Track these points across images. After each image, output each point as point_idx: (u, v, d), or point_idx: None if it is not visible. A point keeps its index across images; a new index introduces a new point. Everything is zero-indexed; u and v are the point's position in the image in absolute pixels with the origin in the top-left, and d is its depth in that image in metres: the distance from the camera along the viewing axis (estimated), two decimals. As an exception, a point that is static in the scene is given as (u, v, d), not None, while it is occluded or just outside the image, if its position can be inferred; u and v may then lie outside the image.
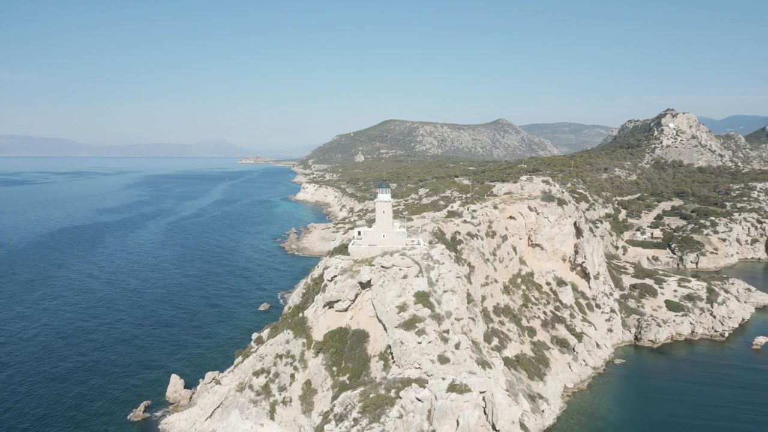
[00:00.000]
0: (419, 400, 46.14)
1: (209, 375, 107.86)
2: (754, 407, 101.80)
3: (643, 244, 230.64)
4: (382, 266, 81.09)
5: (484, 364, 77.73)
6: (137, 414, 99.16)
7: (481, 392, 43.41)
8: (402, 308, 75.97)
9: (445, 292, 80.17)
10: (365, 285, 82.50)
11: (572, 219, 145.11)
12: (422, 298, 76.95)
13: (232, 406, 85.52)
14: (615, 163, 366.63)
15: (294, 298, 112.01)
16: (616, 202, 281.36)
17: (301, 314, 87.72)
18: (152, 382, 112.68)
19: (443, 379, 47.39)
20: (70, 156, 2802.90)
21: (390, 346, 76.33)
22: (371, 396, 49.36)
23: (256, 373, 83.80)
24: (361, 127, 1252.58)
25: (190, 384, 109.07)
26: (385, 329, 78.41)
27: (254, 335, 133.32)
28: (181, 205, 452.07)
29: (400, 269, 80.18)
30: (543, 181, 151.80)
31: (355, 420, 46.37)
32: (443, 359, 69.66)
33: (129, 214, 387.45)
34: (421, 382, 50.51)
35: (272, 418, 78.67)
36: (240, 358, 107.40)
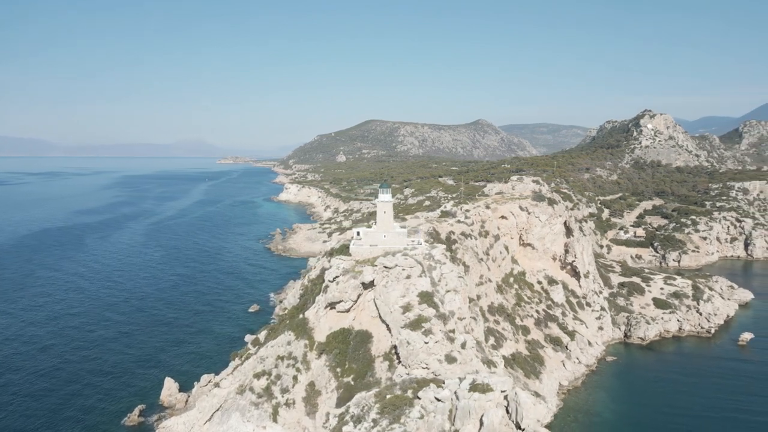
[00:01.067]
0: (438, 400, 46.17)
1: (205, 377, 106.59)
2: (744, 398, 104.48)
3: (627, 243, 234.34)
4: (384, 266, 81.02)
5: (489, 363, 78.28)
6: (132, 419, 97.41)
7: (502, 391, 43.64)
8: (407, 308, 76.03)
9: (448, 291, 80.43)
10: (368, 285, 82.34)
11: (562, 218, 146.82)
12: (426, 298, 77.11)
13: (232, 408, 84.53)
14: (596, 163, 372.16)
15: (290, 299, 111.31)
16: (599, 201, 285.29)
17: (301, 315, 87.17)
18: (145, 385, 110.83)
19: (463, 378, 47.50)
20: (44, 156, 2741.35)
21: (395, 347, 76.32)
22: (388, 397, 49.24)
23: (257, 375, 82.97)
24: (342, 127, 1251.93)
25: (185, 387, 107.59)
26: (389, 330, 78.37)
27: (248, 337, 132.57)
28: (162, 205, 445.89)
29: (403, 269, 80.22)
30: (533, 181, 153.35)
31: (375, 421, 46.20)
32: (450, 359, 69.91)
33: (110, 215, 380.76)
34: (438, 382, 50.59)
35: (275, 420, 78.01)
36: (237, 361, 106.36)
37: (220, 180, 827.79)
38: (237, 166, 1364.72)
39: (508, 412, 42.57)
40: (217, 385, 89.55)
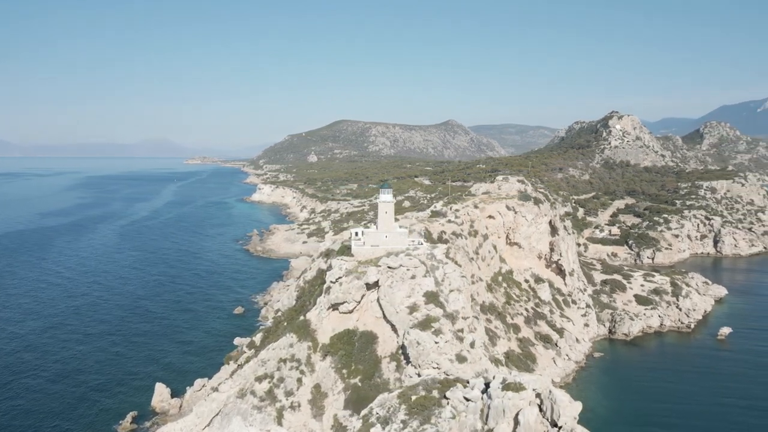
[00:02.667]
0: (468, 399, 46.29)
1: (198, 382, 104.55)
2: (726, 391, 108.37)
3: (603, 242, 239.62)
4: (388, 267, 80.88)
5: (496, 361, 79.09)
6: (125, 426, 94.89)
7: (534, 389, 44.08)
8: (413, 308, 76.10)
9: (452, 291, 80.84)
10: (371, 286, 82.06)
11: (548, 218, 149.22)
12: (432, 298, 77.33)
13: (233, 413, 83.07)
14: (569, 163, 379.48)
15: (284, 300, 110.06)
16: (574, 201, 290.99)
17: (302, 317, 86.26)
18: (134, 391, 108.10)
19: (486, 377, 47.80)
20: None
21: (401, 347, 76.31)
22: (414, 398, 49.13)
23: (259, 379, 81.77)
24: (313, 127, 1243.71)
25: (176, 392, 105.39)
26: (395, 330, 78.31)
27: (237, 340, 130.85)
28: (131, 207, 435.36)
29: (408, 269, 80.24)
30: (518, 181, 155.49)
31: (404, 422, 45.99)
32: (461, 358, 70.38)
33: (76, 217, 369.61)
34: (462, 382, 50.77)
35: (280, 423, 77.00)
36: (232, 364, 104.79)
37: (189, 180, 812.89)
38: (205, 167, 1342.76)
39: (541, 410, 42.99)
40: (215, 389, 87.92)
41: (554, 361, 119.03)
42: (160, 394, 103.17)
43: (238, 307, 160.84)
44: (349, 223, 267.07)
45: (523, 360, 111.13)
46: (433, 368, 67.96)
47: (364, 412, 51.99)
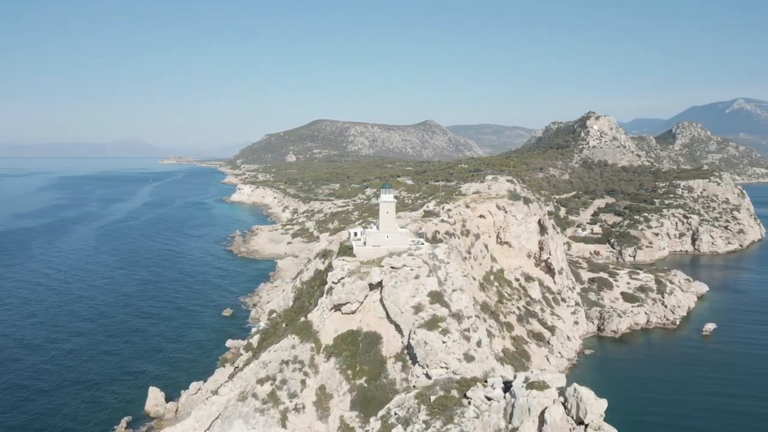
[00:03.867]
0: (489, 398, 46.51)
1: (194, 385, 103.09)
2: (712, 382, 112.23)
3: (585, 240, 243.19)
4: (392, 267, 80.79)
5: (502, 360, 79.62)
6: (119, 431, 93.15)
7: (558, 388, 44.52)
8: (418, 308, 76.18)
9: (454, 291, 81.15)
10: (374, 286, 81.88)
11: (537, 217, 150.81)
12: (437, 297, 77.53)
13: (234, 416, 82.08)
14: (549, 162, 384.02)
15: (279, 301, 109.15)
16: (555, 200, 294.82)
17: (303, 318, 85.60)
18: (126, 396, 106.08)
19: (514, 376, 48.07)
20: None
21: (407, 347, 76.33)
22: (433, 398, 49.15)
23: (261, 381, 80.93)
24: (291, 126, 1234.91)
25: (169, 396, 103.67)
26: (399, 330, 78.28)
27: (229, 342, 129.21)
28: (108, 208, 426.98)
29: (411, 269, 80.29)
30: (508, 181, 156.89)
31: (426, 422, 45.94)
32: (469, 357, 70.73)
33: (52, 218, 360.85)
34: (480, 381, 50.95)
35: (284, 425, 76.38)
36: (229, 367, 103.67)
37: (165, 181, 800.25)
38: (181, 167, 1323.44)
39: (565, 408, 43.40)
40: (215, 392, 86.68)
41: (547, 359, 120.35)
42: (154, 398, 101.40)
43: (226, 309, 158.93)
44: (334, 224, 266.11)
45: (518, 358, 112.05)
46: (441, 368, 68.17)
47: (381, 412, 51.80)
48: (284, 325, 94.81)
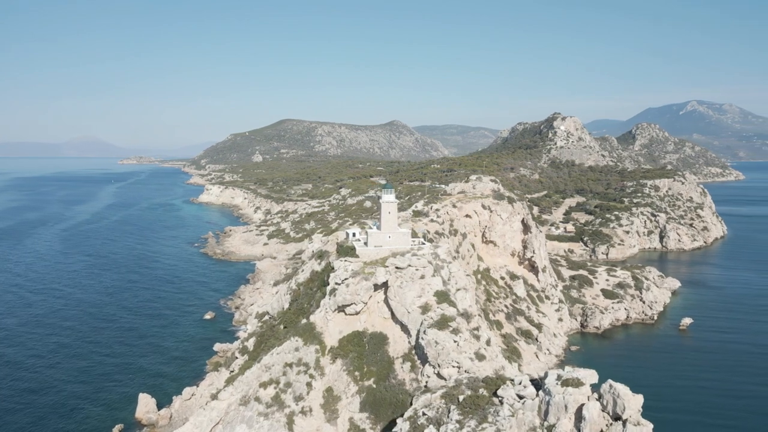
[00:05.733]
0: (520, 396, 46.97)
1: (187, 390, 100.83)
2: (692, 371, 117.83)
3: (559, 238, 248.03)
4: (396, 267, 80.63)
5: (510, 359, 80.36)
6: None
7: (591, 384, 45.29)
8: (426, 308, 76.26)
9: (458, 290, 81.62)
10: (379, 287, 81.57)
11: (520, 216, 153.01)
12: (444, 297, 77.79)
13: (236, 421, 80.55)
14: (518, 162, 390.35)
15: (273, 304, 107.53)
16: (528, 199, 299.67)
17: (304, 320, 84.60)
18: (115, 404, 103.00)
19: (546, 374, 48.63)
20: None
21: (414, 347, 76.35)
22: (461, 397, 49.28)
23: (264, 385, 79.65)
24: (257, 126, 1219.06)
25: (160, 402, 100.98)
26: (406, 330, 78.21)
27: (217, 346, 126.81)
28: (70, 210, 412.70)
29: (417, 269, 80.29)
30: (491, 181, 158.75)
31: (460, 422, 46.02)
32: (480, 356, 71.18)
33: (11, 221, 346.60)
34: (504, 379, 51.40)
35: (290, 429, 75.33)
36: (224, 370, 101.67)
37: (127, 181, 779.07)
38: (143, 167, 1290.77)
39: (602, 404, 44.16)
40: (214, 397, 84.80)
41: (537, 356, 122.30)
42: (146, 405, 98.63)
43: (208, 312, 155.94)
44: (310, 224, 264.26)
45: (510, 355, 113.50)
46: (453, 367, 68.41)
47: (408, 413, 51.64)
48: (282, 327, 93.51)
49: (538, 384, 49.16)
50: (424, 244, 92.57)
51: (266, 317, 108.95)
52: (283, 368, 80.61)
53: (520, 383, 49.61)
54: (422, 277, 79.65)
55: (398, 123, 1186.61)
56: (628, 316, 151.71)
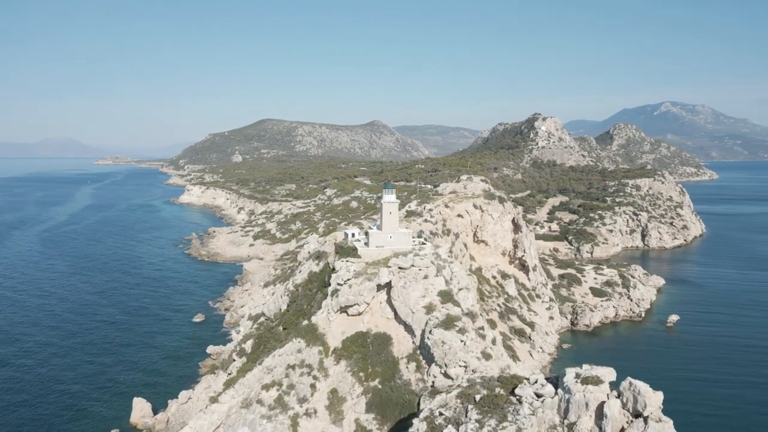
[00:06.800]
0: (538, 395, 47.34)
1: (184, 394, 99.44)
2: (682, 365, 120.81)
3: (544, 238, 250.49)
4: (399, 267, 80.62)
5: (514, 357, 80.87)
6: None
7: (610, 382, 45.86)
8: (430, 308, 76.39)
9: (461, 290, 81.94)
10: (381, 287, 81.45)
11: (511, 215, 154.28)
12: (448, 297, 78.02)
13: (237, 424, 79.73)
14: (501, 162, 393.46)
15: (269, 305, 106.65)
16: (512, 198, 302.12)
17: (306, 321, 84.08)
18: (108, 408, 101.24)
19: (564, 373, 49.08)
20: None
21: (419, 347, 76.42)
22: (478, 397, 49.47)
23: (266, 387, 78.98)
24: (236, 126, 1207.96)
25: (155, 406, 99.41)
26: (410, 330, 78.24)
27: (211, 348, 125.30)
28: (48, 211, 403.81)
29: (420, 269, 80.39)
30: (482, 180, 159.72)
31: (479, 421, 46.14)
32: (486, 355, 71.59)
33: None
34: (520, 378, 51.77)
35: (295, 431, 74.81)
36: (222, 373, 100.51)
37: (104, 182, 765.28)
38: (119, 167, 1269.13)
39: (621, 401, 44.73)
40: (214, 400, 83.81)
41: (530, 354, 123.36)
42: (141, 410, 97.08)
43: (197, 315, 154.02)
44: (296, 225, 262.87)
45: (513, 354, 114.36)
46: (460, 366, 68.71)
47: (424, 413, 51.66)
48: (282, 329, 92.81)
49: (553, 382, 49.60)
50: (424, 244, 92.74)
51: (262, 319, 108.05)
52: (285, 370, 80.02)
53: (536, 382, 49.95)
54: (425, 277, 79.81)
55: (379, 123, 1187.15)
56: (616, 314, 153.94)
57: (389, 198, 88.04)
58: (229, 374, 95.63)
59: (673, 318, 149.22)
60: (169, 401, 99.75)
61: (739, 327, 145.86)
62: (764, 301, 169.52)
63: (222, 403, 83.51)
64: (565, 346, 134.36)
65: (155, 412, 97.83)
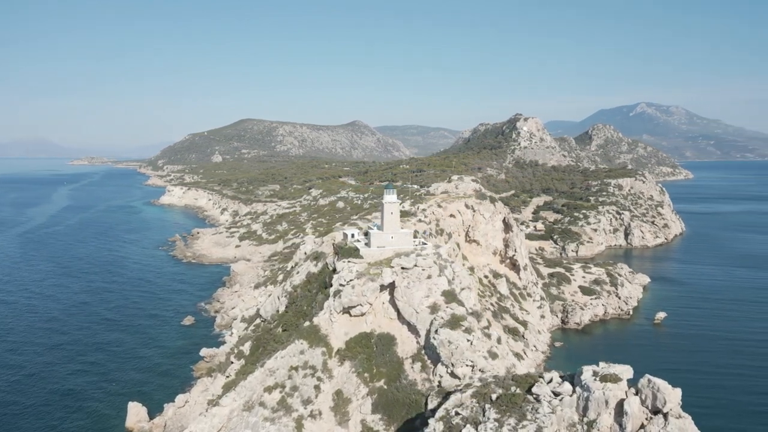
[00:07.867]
0: (556, 393, 47.74)
1: (180, 398, 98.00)
2: (672, 359, 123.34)
3: (530, 237, 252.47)
4: (402, 267, 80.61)
5: (518, 356, 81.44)
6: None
7: (628, 379, 46.44)
8: (435, 308, 76.52)
9: (463, 289, 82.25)
10: (384, 287, 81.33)
11: (502, 215, 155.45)
12: (452, 297, 78.22)
13: (239, 427, 78.89)
14: (485, 162, 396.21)
15: (266, 307, 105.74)
16: (497, 198, 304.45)
17: (308, 323, 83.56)
18: (100, 414, 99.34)
19: (582, 370, 49.55)
20: None
21: (424, 347, 76.49)
22: (494, 396, 49.69)
23: (268, 389, 78.30)
24: (215, 126, 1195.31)
25: (150, 411, 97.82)
26: (415, 330, 78.27)
27: (204, 351, 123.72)
28: (23, 213, 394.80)
29: (423, 270, 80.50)
30: (473, 180, 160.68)
31: (499, 421, 46.33)
32: (493, 354, 71.97)
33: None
34: (534, 377, 52.14)
35: (299, 434, 74.28)
36: (220, 376, 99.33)
37: (81, 183, 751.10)
38: (96, 168, 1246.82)
39: (640, 398, 45.30)
40: (214, 403, 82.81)
41: (524, 353, 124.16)
42: (136, 414, 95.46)
43: (187, 317, 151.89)
44: (283, 226, 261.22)
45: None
46: (467, 366, 68.97)
47: (440, 413, 51.72)
48: (281, 330, 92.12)
49: (569, 380, 50.06)
50: (424, 244, 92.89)
51: (258, 320, 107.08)
52: (288, 372, 79.43)
53: (551, 380, 50.34)
54: (429, 276, 79.96)
55: (360, 123, 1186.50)
56: (605, 312, 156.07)
57: (390, 198, 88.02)
58: (228, 377, 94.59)
59: (661, 315, 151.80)
60: (165, 405, 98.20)
61: (723, 320, 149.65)
62: (745, 296, 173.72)
63: (223, 407, 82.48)
64: (557, 344, 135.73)
65: (151, 416, 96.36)
